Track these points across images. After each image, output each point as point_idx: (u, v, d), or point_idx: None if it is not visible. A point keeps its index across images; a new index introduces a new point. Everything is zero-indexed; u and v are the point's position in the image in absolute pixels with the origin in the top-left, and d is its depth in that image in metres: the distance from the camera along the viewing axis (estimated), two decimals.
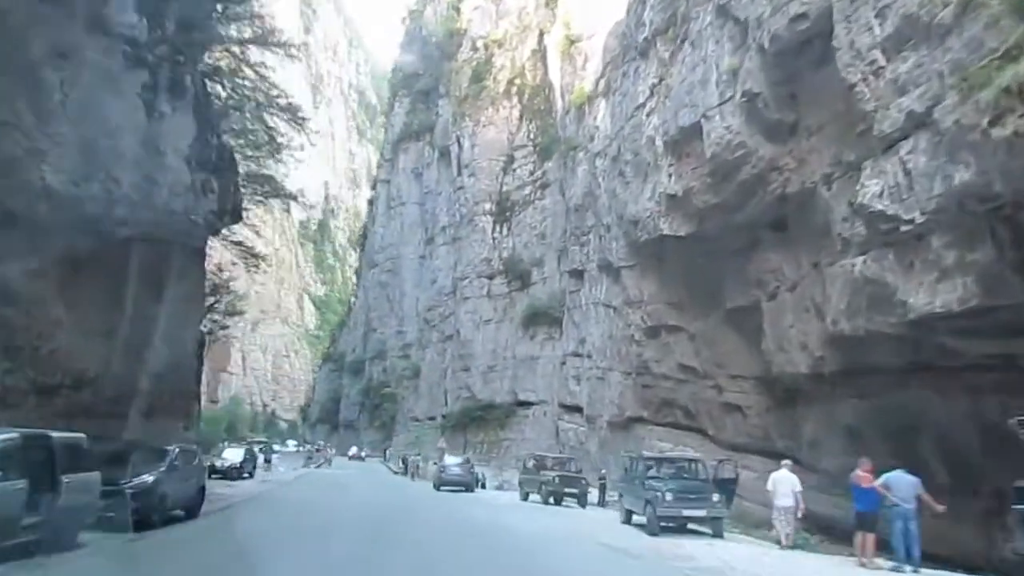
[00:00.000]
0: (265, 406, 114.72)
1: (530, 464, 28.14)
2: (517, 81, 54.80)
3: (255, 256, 28.56)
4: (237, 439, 74.88)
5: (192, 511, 14.77)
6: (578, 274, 35.40)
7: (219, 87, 22.31)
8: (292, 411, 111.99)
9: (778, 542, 14.19)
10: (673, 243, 21.69)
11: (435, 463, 35.03)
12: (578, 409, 34.49)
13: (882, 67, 10.54)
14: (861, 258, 11.77)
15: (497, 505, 24.47)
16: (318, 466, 49.19)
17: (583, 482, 25.39)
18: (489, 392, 45.57)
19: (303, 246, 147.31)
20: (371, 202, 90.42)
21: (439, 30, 72.06)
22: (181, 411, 19.70)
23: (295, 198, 30.41)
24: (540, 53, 52.98)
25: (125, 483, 11.87)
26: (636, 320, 25.90)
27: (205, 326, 24.58)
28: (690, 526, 16.34)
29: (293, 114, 25.73)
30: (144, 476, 12.43)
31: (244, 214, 23.95)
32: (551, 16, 50.27)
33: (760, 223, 16.94)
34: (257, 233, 33.11)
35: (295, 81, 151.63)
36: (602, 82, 33.72)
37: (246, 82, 23.38)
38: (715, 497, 15.94)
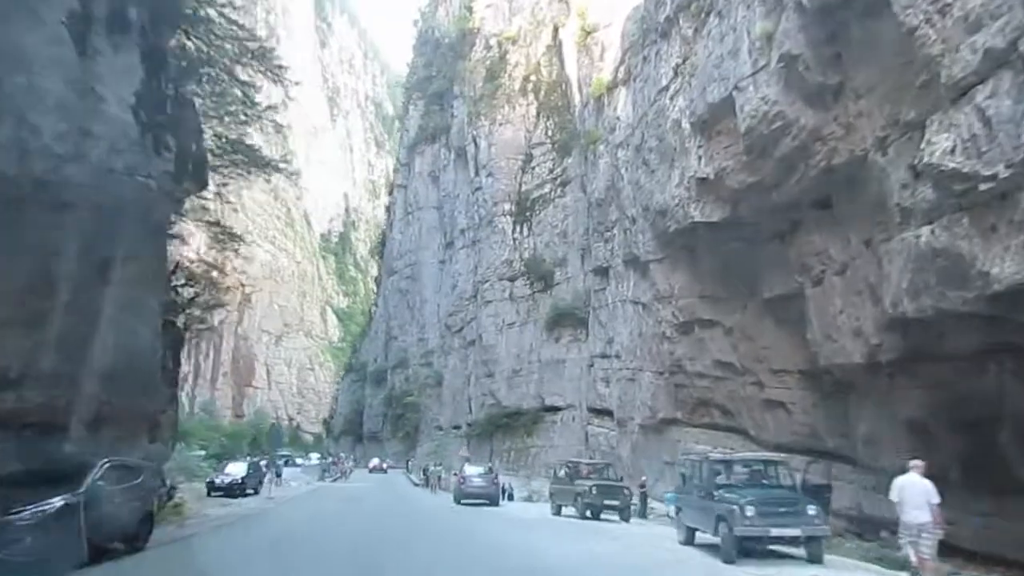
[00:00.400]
0: (291, 419, 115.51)
1: (562, 472, 25.90)
2: (533, 78, 54.06)
3: (233, 236, 25.41)
4: (261, 453, 74.58)
5: (135, 542, 12.01)
6: (603, 272, 34.26)
7: (183, 37, 19.05)
8: (318, 424, 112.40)
9: (910, 570, 10.80)
10: (705, 231, 20.50)
11: (456, 473, 33.13)
12: (608, 413, 33.33)
13: (948, 3, 9.24)
14: (928, 228, 10.42)
15: (525, 521, 22.35)
16: (334, 480, 48.15)
17: (625, 492, 23.02)
18: (515, 398, 44.38)
19: (325, 259, 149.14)
20: (388, 208, 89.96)
21: (451, 31, 71.78)
22: (142, 419, 16.17)
23: (278, 168, 27.11)
24: (555, 48, 52.23)
25: (15, 512, 8.99)
26: (667, 316, 24.72)
27: (182, 321, 21.50)
28: (772, 547, 13.10)
29: (267, 62, 22.19)
30: (52, 501, 9.47)
31: (223, 191, 21.44)
32: (565, 9, 49.30)
33: (802, 202, 15.61)
34: (235, 210, 31.00)
35: (312, 94, 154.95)
36: (621, 70, 32.62)
37: (212, 28, 19.97)
38: (811, 510, 12.55)
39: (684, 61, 21.35)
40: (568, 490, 24.25)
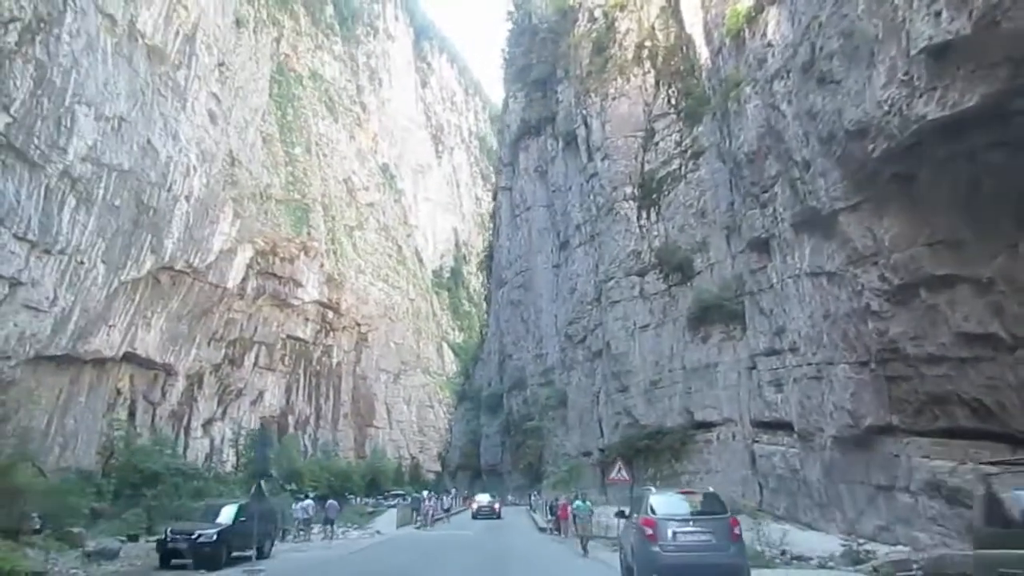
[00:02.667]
0: (412, 458, 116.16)
1: None
2: (648, 44, 49.33)
3: None
4: (382, 494, 71.86)
5: None
6: (761, 245, 28.34)
7: None
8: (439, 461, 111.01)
9: None
10: (935, 143, 14.87)
11: (622, 512, 18.23)
12: (783, 425, 27.28)
13: None
14: None
15: None
16: (419, 527, 42.22)
17: None
18: (656, 414, 38.73)
19: (438, 295, 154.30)
20: (493, 214, 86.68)
21: (549, 12, 69.00)
22: None
23: None
24: (671, 8, 47.34)
25: None
26: (871, 282, 18.88)
27: None
28: None
29: None
30: None
31: None
32: None
33: None
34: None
35: (417, 133, 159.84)
36: None
37: None
38: None
39: None
40: None
